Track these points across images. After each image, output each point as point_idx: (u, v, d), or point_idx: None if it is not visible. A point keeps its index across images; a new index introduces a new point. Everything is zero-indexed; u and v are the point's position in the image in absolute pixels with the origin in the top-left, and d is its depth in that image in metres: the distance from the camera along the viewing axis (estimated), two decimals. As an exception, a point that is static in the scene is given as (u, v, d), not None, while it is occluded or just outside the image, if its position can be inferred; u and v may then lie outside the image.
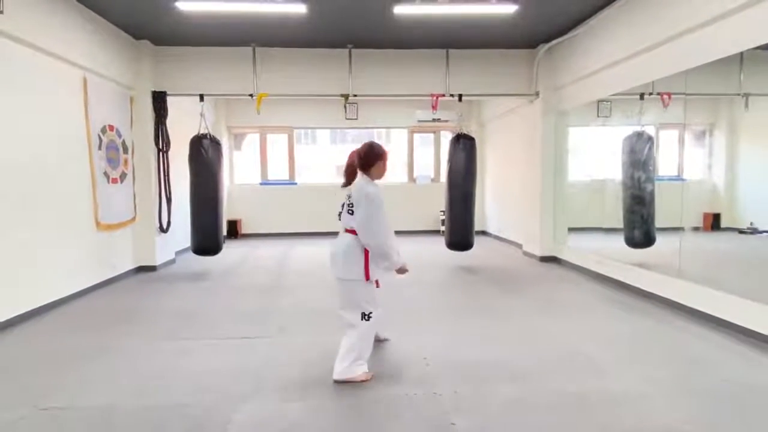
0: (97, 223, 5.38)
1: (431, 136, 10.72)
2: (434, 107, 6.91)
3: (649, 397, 2.66)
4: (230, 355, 3.36)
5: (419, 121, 10.02)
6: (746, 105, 4.80)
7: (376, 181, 2.99)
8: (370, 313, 2.94)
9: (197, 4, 5.00)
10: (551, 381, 2.89)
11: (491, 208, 10.11)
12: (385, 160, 3.01)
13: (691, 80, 4.34)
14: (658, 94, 5.05)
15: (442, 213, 8.58)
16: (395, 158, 11.10)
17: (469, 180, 6.25)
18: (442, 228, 7.62)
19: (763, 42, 3.48)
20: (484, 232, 10.09)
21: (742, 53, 3.80)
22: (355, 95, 6.86)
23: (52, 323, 4.18)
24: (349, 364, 2.88)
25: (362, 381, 2.87)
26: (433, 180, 10.57)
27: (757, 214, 4.83)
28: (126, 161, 6.08)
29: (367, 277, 2.92)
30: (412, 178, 10.60)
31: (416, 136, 10.65)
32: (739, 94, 4.68)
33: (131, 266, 6.21)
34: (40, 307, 4.40)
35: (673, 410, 2.52)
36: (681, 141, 5.53)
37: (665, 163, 5.77)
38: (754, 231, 4.87)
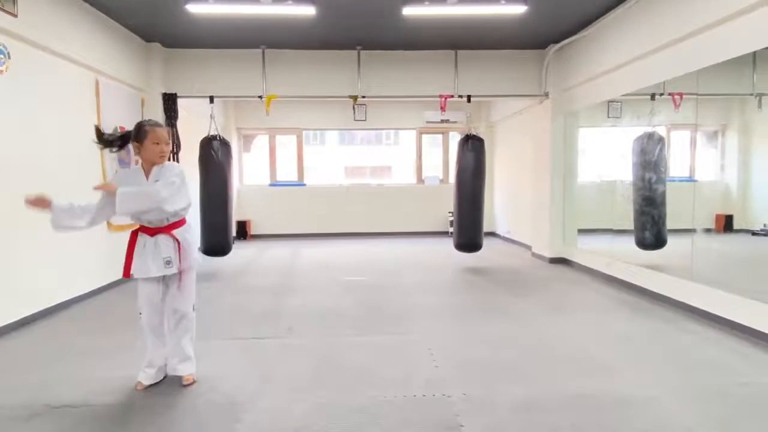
0: (109, 224, 5.42)
1: (440, 137, 10.71)
2: (443, 108, 6.90)
3: (660, 400, 2.63)
4: (239, 355, 3.38)
5: (428, 122, 10.03)
6: (759, 105, 4.74)
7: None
8: (140, 313, 2.85)
9: (207, 6, 5.04)
10: (561, 383, 2.87)
11: (500, 209, 10.08)
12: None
13: (703, 80, 4.30)
14: (669, 94, 5.01)
15: (450, 214, 8.56)
16: (404, 159, 11.11)
17: (477, 181, 6.23)
18: (451, 229, 7.61)
19: (776, 41, 3.44)
20: (492, 234, 10.05)
21: (755, 53, 3.76)
22: (364, 96, 6.88)
23: (66, 322, 4.23)
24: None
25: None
26: (441, 181, 10.56)
27: (771, 215, 4.77)
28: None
29: (123, 274, 2.79)
30: (420, 179, 10.60)
31: (425, 137, 10.65)
32: (752, 95, 4.63)
33: (142, 267, 6.25)
34: (54, 306, 4.46)
35: (685, 413, 2.49)
36: (693, 142, 5.47)
37: (677, 164, 5.72)
38: (767, 233, 4.81)
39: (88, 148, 5.12)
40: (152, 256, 2.76)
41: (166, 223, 2.79)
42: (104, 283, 5.32)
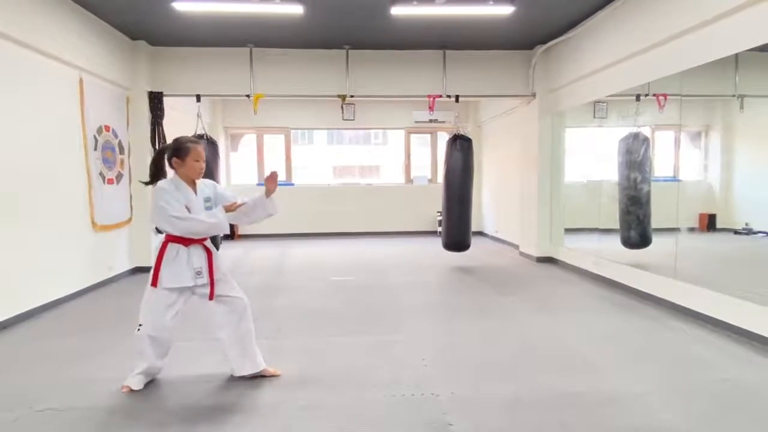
0: (93, 224, 5.35)
1: (428, 136, 10.73)
2: (431, 108, 6.92)
3: (645, 397, 2.66)
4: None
5: (416, 121, 10.04)
6: (741, 106, 4.83)
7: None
8: (140, 325, 2.75)
9: (194, 4, 4.99)
10: (548, 381, 2.89)
11: (488, 208, 10.13)
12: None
13: (687, 82, 4.37)
14: (654, 95, 5.08)
15: (438, 214, 8.59)
16: (393, 159, 11.12)
17: (466, 181, 6.26)
18: (439, 229, 7.63)
19: (758, 44, 3.49)
20: (480, 233, 10.10)
21: (737, 55, 3.82)
22: (352, 96, 6.86)
23: (48, 324, 4.16)
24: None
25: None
26: (430, 181, 10.58)
27: (752, 214, 4.86)
28: (122, 162, 6.06)
29: (152, 283, 2.72)
30: (409, 179, 10.61)
31: (413, 136, 10.66)
32: (734, 96, 4.71)
33: (127, 267, 6.18)
34: (37, 308, 4.38)
35: (669, 410, 2.53)
36: (677, 142, 5.55)
37: (661, 164, 5.80)
38: (749, 232, 4.90)
39: (71, 147, 5.09)
40: (185, 265, 2.74)
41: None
42: (88, 284, 5.24)
